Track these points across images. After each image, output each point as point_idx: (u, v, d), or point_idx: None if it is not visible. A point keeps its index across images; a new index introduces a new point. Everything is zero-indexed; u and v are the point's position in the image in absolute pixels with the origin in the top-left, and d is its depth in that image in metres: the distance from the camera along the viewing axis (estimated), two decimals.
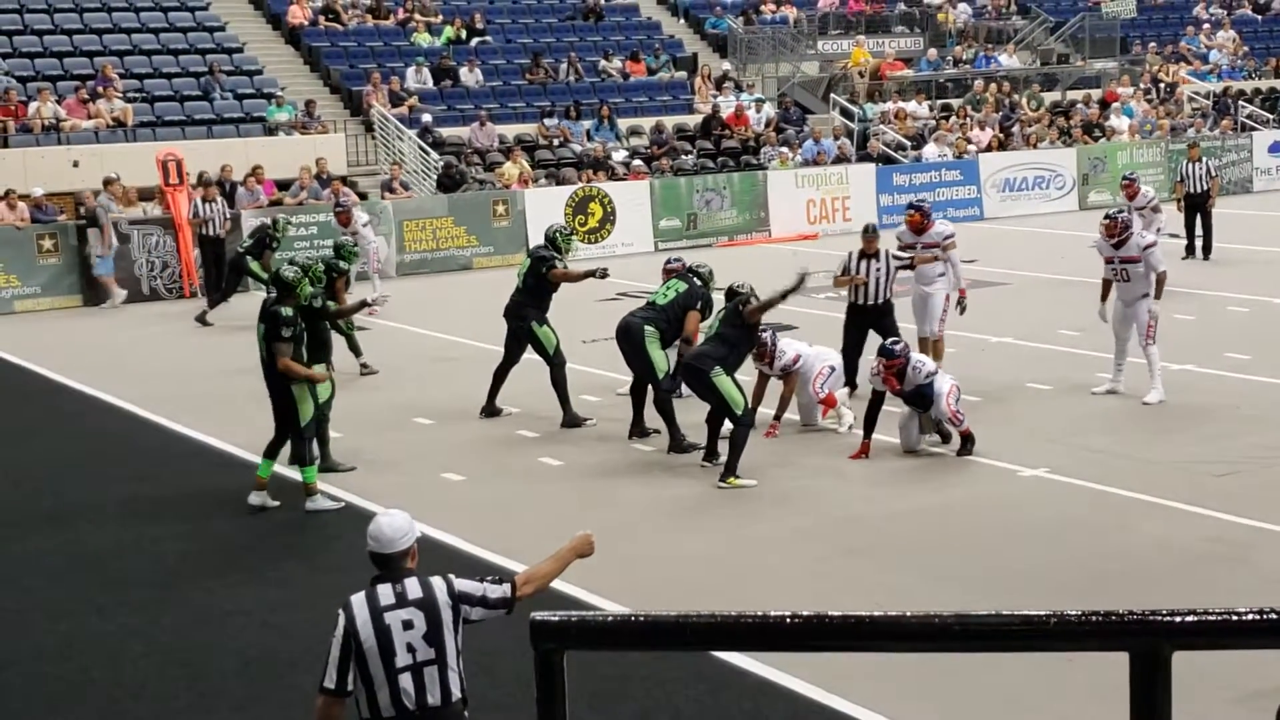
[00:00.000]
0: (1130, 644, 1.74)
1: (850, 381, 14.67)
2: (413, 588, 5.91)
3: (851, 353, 14.88)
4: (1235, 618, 1.73)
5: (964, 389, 13.55)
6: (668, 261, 15.77)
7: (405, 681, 5.79)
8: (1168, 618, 1.74)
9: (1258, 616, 1.74)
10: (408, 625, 5.82)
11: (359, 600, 5.91)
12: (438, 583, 5.95)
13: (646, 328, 13.60)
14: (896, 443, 13.09)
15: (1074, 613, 1.75)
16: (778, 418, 14.11)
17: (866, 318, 14.91)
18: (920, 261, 15.33)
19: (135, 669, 9.11)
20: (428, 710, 5.81)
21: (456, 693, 5.88)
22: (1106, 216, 15.40)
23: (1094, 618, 1.74)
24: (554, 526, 11.68)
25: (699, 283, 13.92)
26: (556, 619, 1.82)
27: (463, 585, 5.96)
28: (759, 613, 1.76)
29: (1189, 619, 1.73)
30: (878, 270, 14.87)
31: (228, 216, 23.61)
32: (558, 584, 10.26)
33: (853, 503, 12.12)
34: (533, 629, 1.82)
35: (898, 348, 13.02)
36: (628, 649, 1.81)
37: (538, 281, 14.85)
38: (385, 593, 5.89)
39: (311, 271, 13.96)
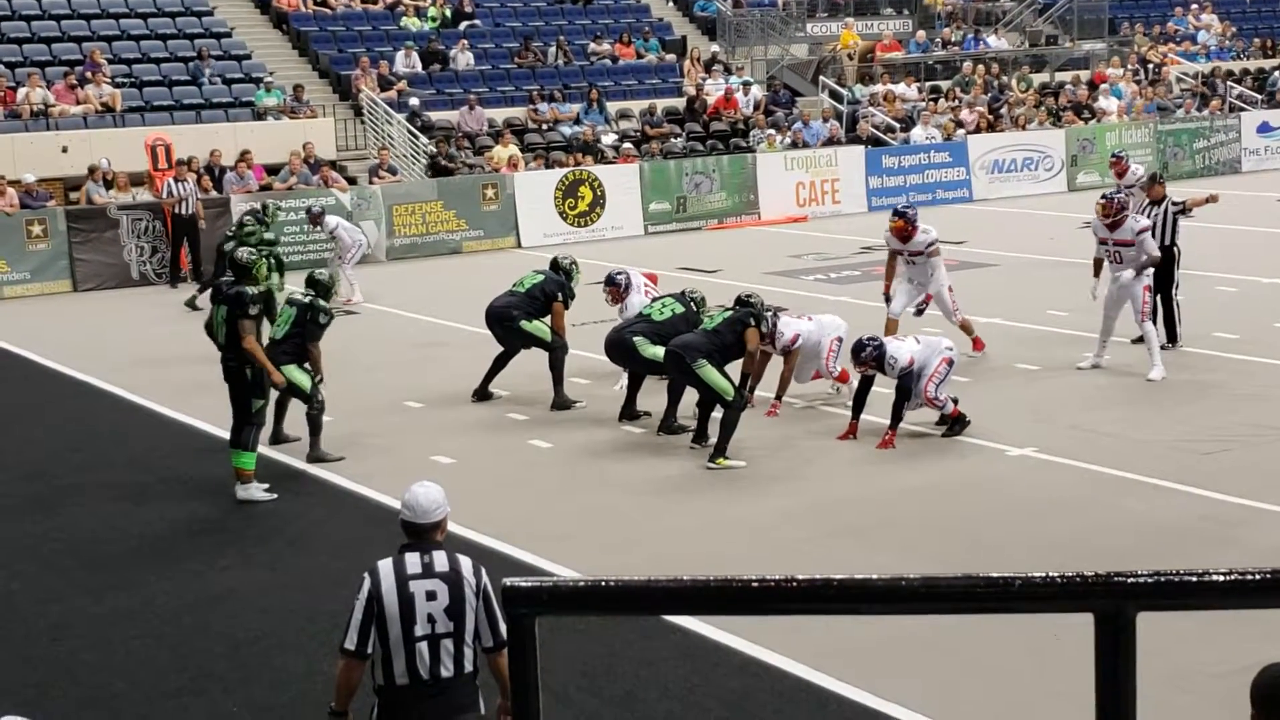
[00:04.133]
0: (1095, 605, 1.76)
1: (1171, 336, 15.95)
2: (440, 560, 5.97)
3: (1155, 294, 15.59)
4: (1198, 578, 1.75)
5: (957, 370, 13.53)
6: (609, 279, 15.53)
7: (422, 650, 5.87)
8: (1132, 578, 1.75)
9: (1223, 577, 1.76)
10: (431, 596, 5.88)
11: (386, 566, 5.97)
12: (467, 563, 6.01)
13: (635, 338, 13.61)
14: (884, 423, 13.11)
15: (1039, 574, 1.76)
16: (779, 397, 14.13)
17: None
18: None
19: (126, 651, 9.14)
20: (440, 681, 5.88)
21: (469, 666, 5.95)
22: (1103, 197, 15.51)
23: (1058, 579, 1.76)
24: (543, 508, 11.73)
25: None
26: (528, 584, 1.83)
27: (490, 593, 5.98)
28: (726, 576, 1.78)
29: (1153, 579, 1.75)
30: (1155, 216, 16.13)
31: (199, 196, 23.64)
32: (542, 563, 10.35)
33: (840, 483, 12.15)
34: (505, 594, 1.84)
35: (864, 354, 13.03)
36: (599, 613, 1.83)
37: (545, 298, 14.91)
38: (413, 561, 5.95)
39: (323, 288, 13.60)
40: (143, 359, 17.86)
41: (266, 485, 12.21)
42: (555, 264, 15.48)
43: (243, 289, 12.07)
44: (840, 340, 14.23)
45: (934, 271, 15.91)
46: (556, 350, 14.76)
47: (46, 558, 10.98)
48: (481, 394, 15.12)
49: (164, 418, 15.13)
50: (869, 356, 12.99)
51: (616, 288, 15.11)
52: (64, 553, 11.08)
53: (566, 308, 15.05)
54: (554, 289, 14.98)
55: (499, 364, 15.09)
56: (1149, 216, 16.10)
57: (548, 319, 14.87)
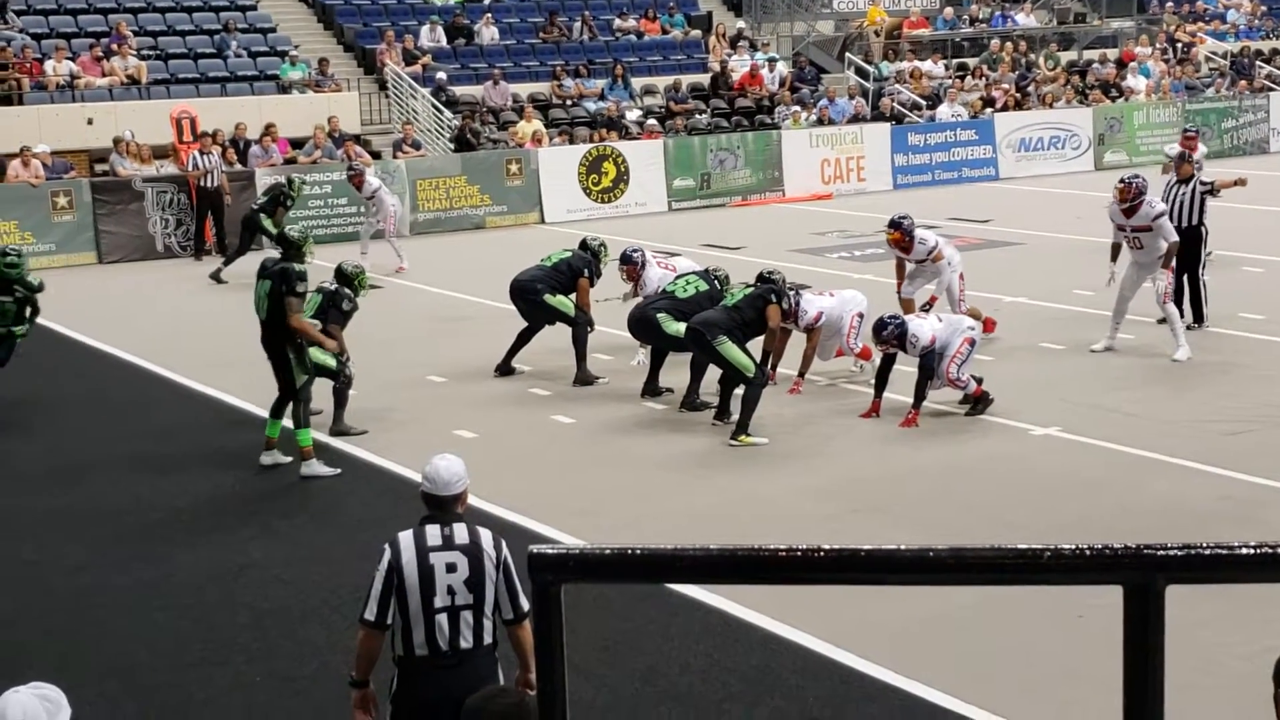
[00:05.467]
0: (1124, 577, 1.75)
1: (1178, 300, 15.56)
2: (460, 533, 5.99)
3: (1181, 274, 15.76)
4: (1229, 551, 1.73)
5: (978, 349, 13.49)
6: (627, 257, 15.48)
7: (441, 622, 5.89)
8: (1162, 550, 1.74)
9: (1253, 550, 1.74)
10: (451, 568, 5.90)
11: (406, 537, 5.99)
12: (487, 536, 6.03)
13: (659, 315, 13.61)
14: (908, 401, 13.08)
15: (1068, 546, 1.75)
16: (802, 375, 14.10)
17: (1184, 242, 15.53)
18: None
19: (150, 621, 9.18)
20: (459, 652, 5.90)
21: (488, 638, 5.97)
22: (1121, 181, 15.29)
23: (1087, 551, 1.74)
24: (565, 483, 11.74)
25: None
26: (554, 551, 1.83)
27: (510, 565, 6.00)
28: (753, 545, 1.78)
29: (1183, 552, 1.73)
30: (1183, 195, 16.16)
31: (224, 170, 23.71)
32: (563, 538, 10.36)
33: (863, 461, 12.13)
34: (531, 561, 1.83)
35: (885, 332, 12.98)
36: (624, 581, 1.82)
37: (571, 274, 14.92)
38: (433, 533, 5.98)
39: (349, 279, 13.56)
40: (167, 331, 17.92)
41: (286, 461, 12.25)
42: (584, 245, 15.48)
43: (288, 266, 12.03)
44: (861, 316, 14.18)
45: (940, 274, 15.72)
46: (580, 326, 14.77)
47: (71, 529, 11.03)
48: (504, 369, 15.13)
49: (188, 390, 15.17)
50: (890, 335, 12.95)
51: (634, 265, 15.09)
52: (88, 524, 11.12)
53: (592, 285, 15.05)
54: (580, 265, 14.99)
55: (522, 339, 15.10)
56: (1177, 197, 16.00)
57: (573, 296, 14.86)
